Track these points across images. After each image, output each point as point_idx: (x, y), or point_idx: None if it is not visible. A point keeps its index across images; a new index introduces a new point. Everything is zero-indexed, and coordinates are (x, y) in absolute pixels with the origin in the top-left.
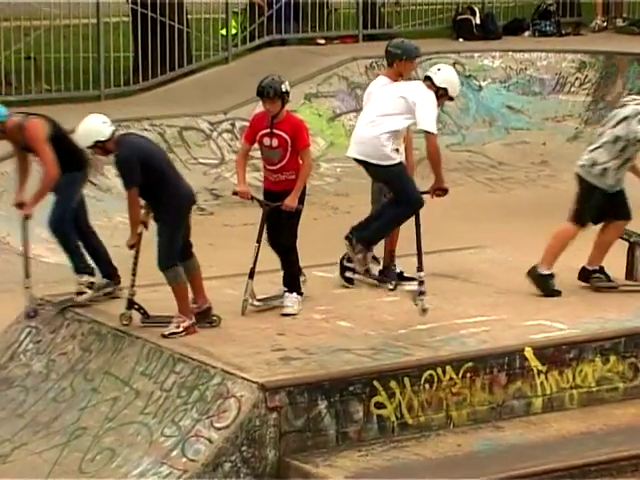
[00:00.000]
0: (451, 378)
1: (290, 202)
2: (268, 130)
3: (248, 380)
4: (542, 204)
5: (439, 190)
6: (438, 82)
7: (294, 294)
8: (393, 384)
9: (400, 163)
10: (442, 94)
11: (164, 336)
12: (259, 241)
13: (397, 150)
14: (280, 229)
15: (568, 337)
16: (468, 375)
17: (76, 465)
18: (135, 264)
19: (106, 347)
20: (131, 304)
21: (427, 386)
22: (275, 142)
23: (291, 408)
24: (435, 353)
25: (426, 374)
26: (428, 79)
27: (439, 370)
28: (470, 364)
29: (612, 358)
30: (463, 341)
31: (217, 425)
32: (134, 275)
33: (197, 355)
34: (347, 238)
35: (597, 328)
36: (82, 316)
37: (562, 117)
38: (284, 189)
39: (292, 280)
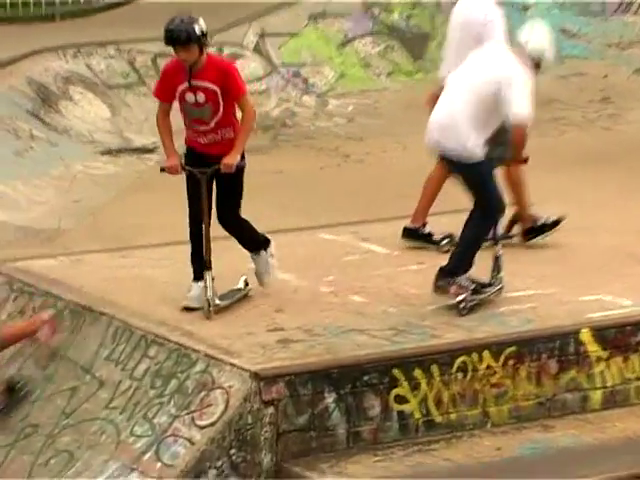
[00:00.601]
0: (489, 366)
1: (230, 160)
2: (187, 85)
3: (238, 367)
4: (603, 150)
5: (517, 162)
6: (530, 50)
7: (262, 252)
8: (418, 373)
9: (486, 162)
10: (534, 65)
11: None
12: (206, 220)
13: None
14: (219, 198)
15: (634, 316)
16: (510, 362)
17: (25, 470)
18: None
19: (62, 326)
20: None
21: (460, 376)
22: (201, 97)
23: (291, 402)
24: (470, 335)
25: (458, 361)
26: (518, 45)
27: (474, 356)
28: (512, 349)
29: None
30: (504, 320)
31: (200, 423)
32: None
33: (176, 336)
34: (437, 287)
35: None
36: (33, 287)
37: (628, 43)
38: (222, 152)
39: (253, 241)
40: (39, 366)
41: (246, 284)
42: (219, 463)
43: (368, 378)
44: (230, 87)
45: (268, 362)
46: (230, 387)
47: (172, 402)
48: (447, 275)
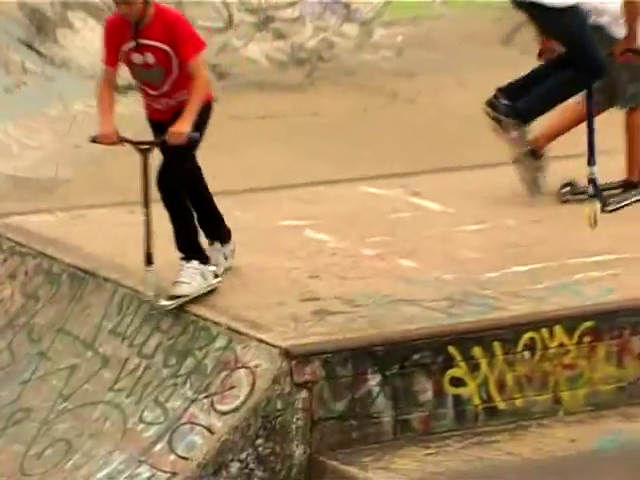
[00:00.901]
0: (562, 344)
1: (179, 128)
2: (134, 44)
3: (266, 343)
4: None
5: (630, 52)
6: None
7: (194, 263)
8: (477, 351)
9: (580, 10)
10: None
11: None
12: (147, 205)
13: None
14: (163, 166)
15: None
16: (586, 339)
17: (16, 462)
18: None
19: (60, 293)
20: None
21: (526, 355)
22: (150, 58)
23: (328, 384)
24: (539, 307)
25: (525, 337)
26: None
27: (544, 332)
28: (589, 324)
29: None
30: (579, 290)
31: (221, 408)
32: None
33: (193, 307)
34: (490, 104)
35: None
36: (25, 247)
37: None
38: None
39: (186, 242)
40: (32, 340)
41: (215, 276)
42: (243, 455)
43: (419, 357)
44: (181, 44)
45: (301, 337)
46: (256, 367)
47: (188, 384)
48: (517, 115)
